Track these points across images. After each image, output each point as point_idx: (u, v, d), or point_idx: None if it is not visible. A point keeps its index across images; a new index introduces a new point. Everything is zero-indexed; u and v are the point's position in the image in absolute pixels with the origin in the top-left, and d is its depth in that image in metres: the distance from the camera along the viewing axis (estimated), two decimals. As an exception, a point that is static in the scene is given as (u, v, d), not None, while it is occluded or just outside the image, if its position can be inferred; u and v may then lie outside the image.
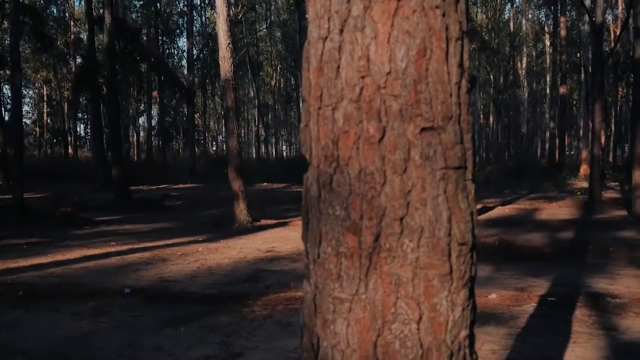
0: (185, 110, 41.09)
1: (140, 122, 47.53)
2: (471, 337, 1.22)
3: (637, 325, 4.82)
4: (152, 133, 41.48)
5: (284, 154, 58.60)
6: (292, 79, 49.65)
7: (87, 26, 19.58)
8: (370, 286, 1.17)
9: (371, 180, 1.15)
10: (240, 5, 35.75)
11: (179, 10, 42.63)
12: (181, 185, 25.92)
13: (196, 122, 50.19)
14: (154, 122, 40.53)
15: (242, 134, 61.59)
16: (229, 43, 11.81)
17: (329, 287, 1.22)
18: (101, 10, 34.66)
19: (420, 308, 1.16)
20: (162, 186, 25.00)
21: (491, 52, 32.71)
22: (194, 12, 39.42)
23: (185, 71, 40.77)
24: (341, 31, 1.18)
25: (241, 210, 12.13)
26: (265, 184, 27.72)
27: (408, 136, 1.15)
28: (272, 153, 51.51)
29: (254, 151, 51.55)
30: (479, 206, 15.90)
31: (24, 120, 50.93)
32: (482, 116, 53.05)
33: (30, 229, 10.64)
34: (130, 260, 8.00)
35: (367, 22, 1.15)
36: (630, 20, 13.84)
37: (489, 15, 41.23)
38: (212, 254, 8.62)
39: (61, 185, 23.94)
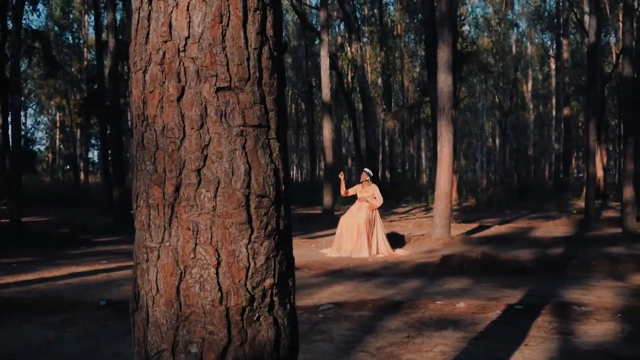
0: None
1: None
2: (283, 287, 1.34)
3: (594, 331, 4.89)
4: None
5: (295, 178, 58.75)
6: (302, 104, 49.93)
7: (95, 51, 19.96)
8: (172, 234, 1.31)
9: (172, 135, 1.30)
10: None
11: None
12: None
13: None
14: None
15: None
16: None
17: (142, 237, 1.36)
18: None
19: (219, 254, 1.29)
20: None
21: (489, 74, 32.86)
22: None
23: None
24: (150, 1, 1.34)
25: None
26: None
27: (204, 95, 1.29)
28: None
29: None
30: (475, 225, 15.99)
31: (38, 146, 51.80)
32: (490, 139, 53.16)
33: (25, 249, 10.84)
34: (116, 277, 8.15)
35: (169, -8, 1.31)
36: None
37: (494, 39, 41.52)
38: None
39: (69, 210, 24.25)
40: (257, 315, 1.31)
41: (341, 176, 11.68)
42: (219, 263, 1.29)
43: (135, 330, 1.37)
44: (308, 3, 31.95)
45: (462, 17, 36.77)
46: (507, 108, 40.43)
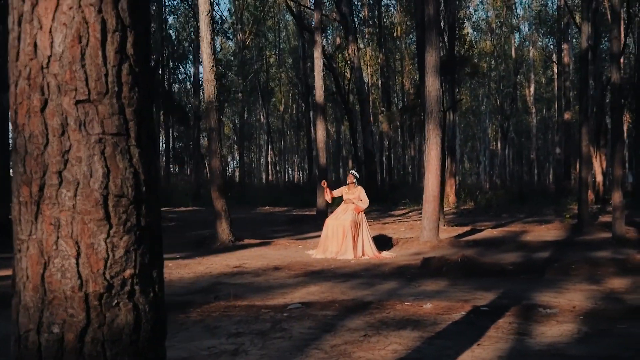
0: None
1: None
2: (146, 277, 1.47)
3: (551, 332, 4.97)
4: (170, 157, 42.31)
5: (295, 179, 58.91)
6: (303, 105, 50.25)
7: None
8: (38, 228, 1.45)
9: (37, 142, 1.44)
10: (247, 32, 36.56)
11: (186, 37, 43.59)
12: (182, 209, 26.30)
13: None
14: (167, 147, 41.21)
15: (254, 159, 62.18)
16: (212, 66, 12.23)
17: (16, 231, 1.50)
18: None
19: (79, 246, 1.43)
20: (163, 209, 25.42)
21: (483, 78, 32.92)
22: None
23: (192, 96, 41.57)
24: (19, 23, 1.48)
25: (223, 230, 12.41)
26: (267, 207, 28.00)
27: (65, 106, 1.44)
28: (285, 178, 51.91)
29: (264, 176, 52.03)
30: (468, 228, 16.06)
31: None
32: (494, 142, 53.20)
33: (7, 246, 10.91)
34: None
35: (34, 16, 1.46)
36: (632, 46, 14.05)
37: (494, 43, 41.59)
38: (179, 269, 8.88)
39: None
40: (115, 301, 1.45)
41: (324, 184, 11.82)
42: (78, 254, 1.43)
43: (12, 312, 1.52)
44: (306, 4, 32.05)
45: (463, 20, 36.86)
46: (507, 112, 40.48)
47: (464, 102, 46.88)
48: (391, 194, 29.91)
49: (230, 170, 64.21)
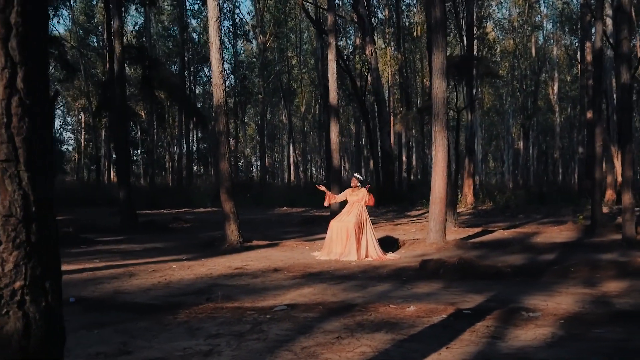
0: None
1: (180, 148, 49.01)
2: (37, 288, 1.62)
3: (526, 336, 5.03)
4: (194, 158, 42.92)
5: (318, 179, 59.02)
6: (323, 106, 50.40)
7: (107, 54, 20.61)
8: None
9: None
10: (268, 33, 36.88)
11: (208, 39, 44.12)
12: (201, 209, 26.65)
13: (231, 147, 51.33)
14: (188, 149, 41.78)
15: (277, 160, 62.51)
16: (221, 71, 12.43)
17: None
18: (133, 40, 36.31)
19: None
20: (182, 210, 25.82)
21: (498, 79, 32.65)
22: (225, 41, 40.73)
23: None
24: None
25: (232, 231, 12.60)
26: (285, 208, 28.22)
27: None
28: (310, 178, 52.10)
29: (286, 176, 52.29)
30: (478, 229, 16.04)
31: (66, 146, 53.21)
32: (518, 142, 52.70)
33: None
34: (100, 275, 8.53)
35: None
36: None
37: (516, 42, 41.24)
38: (182, 271, 9.08)
39: (87, 210, 24.98)
40: (5, 310, 1.61)
41: (321, 188, 12.00)
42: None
43: None
44: (323, 6, 32.15)
45: (485, 20, 36.62)
46: (530, 111, 40.12)
47: (486, 101, 46.54)
48: (410, 194, 29.91)
49: (254, 171, 64.69)
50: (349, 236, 10.91)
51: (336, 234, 11.05)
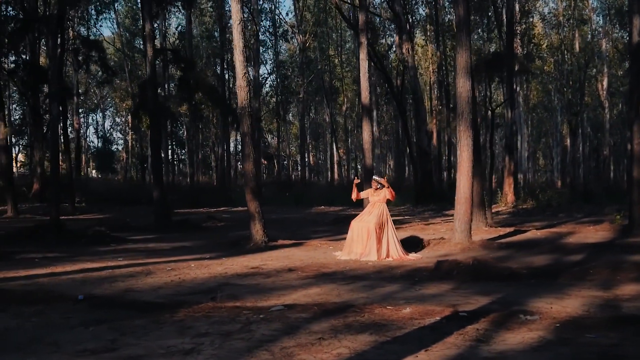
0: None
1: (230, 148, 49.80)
2: None
3: (513, 339, 4.97)
4: (237, 157, 43.54)
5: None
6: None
7: (145, 58, 21.12)
8: None
9: None
10: (307, 33, 37.07)
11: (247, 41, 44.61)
12: (239, 208, 26.95)
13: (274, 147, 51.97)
14: (227, 148, 42.43)
15: (320, 159, 62.71)
16: (244, 73, 12.61)
17: None
18: (176, 42, 37.02)
19: None
20: (221, 209, 26.25)
21: (530, 75, 31.88)
22: (266, 41, 41.19)
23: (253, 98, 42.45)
24: None
25: (257, 230, 12.76)
26: (322, 207, 28.33)
27: None
28: (352, 176, 52.13)
29: (329, 175, 52.44)
30: (510, 229, 15.77)
31: (116, 146, 54.79)
32: (567, 139, 51.38)
33: (56, 246, 11.76)
34: (118, 273, 8.79)
35: None
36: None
37: (562, 36, 40.22)
38: (198, 270, 9.27)
39: (129, 208, 25.67)
40: None
41: (357, 181, 12.00)
42: None
43: None
44: (358, 4, 32.07)
45: (529, 15, 35.88)
46: (576, 107, 39.10)
47: (532, 97, 45.58)
48: (450, 193, 29.58)
49: (299, 169, 65.01)
50: (370, 236, 10.92)
51: (357, 234, 11.08)
